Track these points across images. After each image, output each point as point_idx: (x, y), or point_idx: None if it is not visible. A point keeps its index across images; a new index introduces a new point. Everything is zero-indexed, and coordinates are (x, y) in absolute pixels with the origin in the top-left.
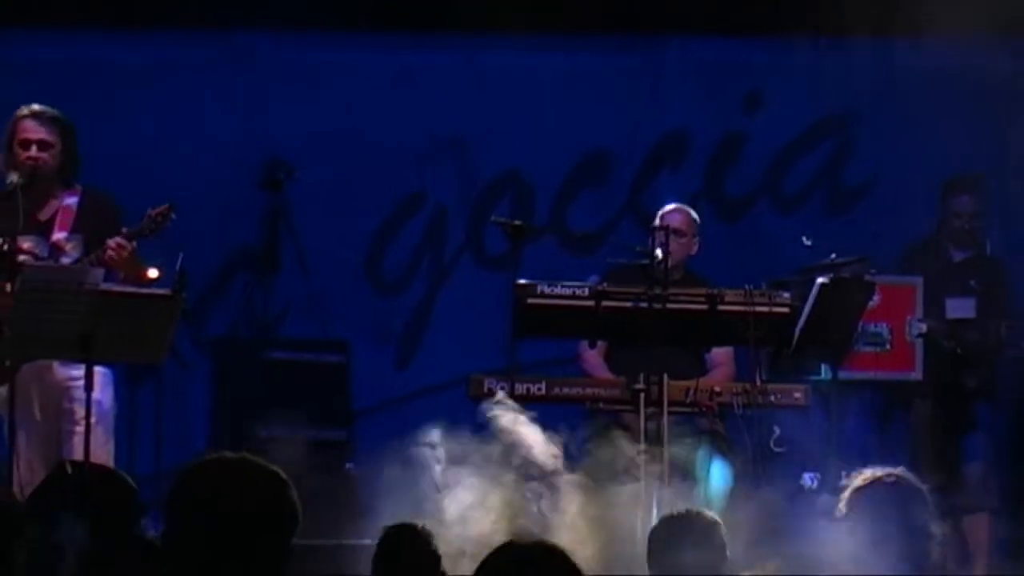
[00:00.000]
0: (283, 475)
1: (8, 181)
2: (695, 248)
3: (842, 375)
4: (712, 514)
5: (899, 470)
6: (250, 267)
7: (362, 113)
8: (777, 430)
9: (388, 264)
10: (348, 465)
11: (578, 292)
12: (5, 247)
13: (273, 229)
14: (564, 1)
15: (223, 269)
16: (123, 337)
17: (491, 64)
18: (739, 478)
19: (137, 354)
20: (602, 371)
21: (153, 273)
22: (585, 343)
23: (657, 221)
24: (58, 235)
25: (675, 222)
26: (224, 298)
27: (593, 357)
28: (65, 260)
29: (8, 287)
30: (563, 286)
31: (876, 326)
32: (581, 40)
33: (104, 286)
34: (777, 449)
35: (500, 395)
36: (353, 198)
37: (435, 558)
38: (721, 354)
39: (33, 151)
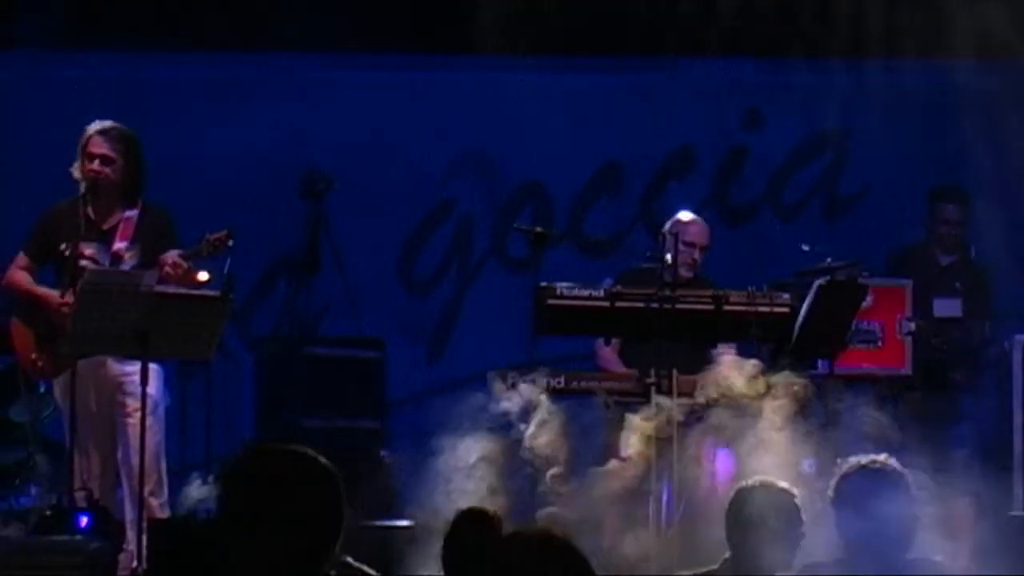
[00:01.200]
0: (331, 467)
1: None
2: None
3: (837, 370)
4: (785, 483)
5: (883, 457)
6: (292, 271)
7: (395, 129)
8: (778, 420)
9: (419, 267)
10: (382, 452)
11: (594, 293)
12: (67, 252)
13: (313, 235)
14: (581, 26)
15: (267, 272)
16: (176, 335)
17: (514, 84)
18: (743, 464)
19: (189, 350)
20: (616, 365)
21: (203, 276)
22: (600, 340)
23: (669, 226)
24: (119, 245)
25: (695, 237)
26: (268, 299)
27: (608, 353)
28: (124, 268)
29: (71, 289)
30: (580, 288)
31: (869, 324)
32: (597, 62)
33: (158, 288)
34: (778, 437)
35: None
36: (387, 207)
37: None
38: (725, 350)
39: (96, 165)
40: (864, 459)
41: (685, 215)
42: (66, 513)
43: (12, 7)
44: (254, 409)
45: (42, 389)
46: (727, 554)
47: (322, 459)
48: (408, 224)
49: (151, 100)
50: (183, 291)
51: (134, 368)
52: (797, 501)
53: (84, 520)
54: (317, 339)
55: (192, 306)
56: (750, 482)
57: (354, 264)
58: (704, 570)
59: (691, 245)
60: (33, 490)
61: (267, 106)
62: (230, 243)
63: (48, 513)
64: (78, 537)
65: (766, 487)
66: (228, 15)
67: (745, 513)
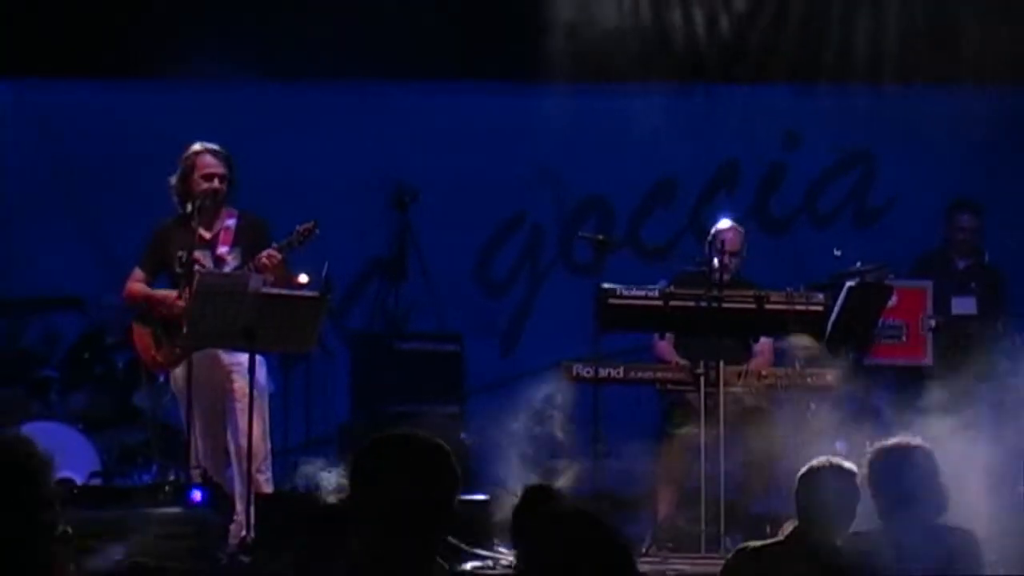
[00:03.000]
0: (446, 446)
1: (187, 207)
2: (743, 256)
3: (866, 362)
4: (849, 464)
5: (909, 437)
6: (382, 273)
7: (474, 148)
8: (813, 406)
9: (494, 271)
10: (461, 435)
11: (650, 294)
12: (184, 259)
13: (401, 242)
14: (638, 55)
15: (360, 275)
16: (280, 330)
17: (580, 108)
18: (782, 446)
19: (291, 344)
20: (672, 357)
21: (303, 279)
22: (657, 335)
23: (712, 233)
24: (221, 249)
25: (727, 244)
26: (361, 299)
27: (665, 346)
28: (226, 269)
29: (186, 292)
30: (638, 289)
31: (894, 322)
32: (652, 88)
33: (264, 289)
34: (814, 422)
35: None
36: (466, 217)
37: (571, 515)
38: (763, 343)
39: (216, 183)
40: (892, 440)
41: (722, 223)
42: (182, 488)
43: (132, 41)
44: (349, 396)
45: (161, 379)
46: (789, 526)
47: (438, 440)
48: (485, 232)
49: (264, 121)
50: (286, 292)
51: (243, 359)
52: (858, 480)
53: (198, 494)
54: (404, 334)
55: (294, 305)
56: (817, 462)
57: (436, 268)
58: (772, 540)
59: (726, 252)
60: (153, 468)
61: (362, 128)
62: (316, 231)
63: (167, 488)
64: (193, 509)
65: (835, 467)
66: (332, 46)
67: (816, 489)
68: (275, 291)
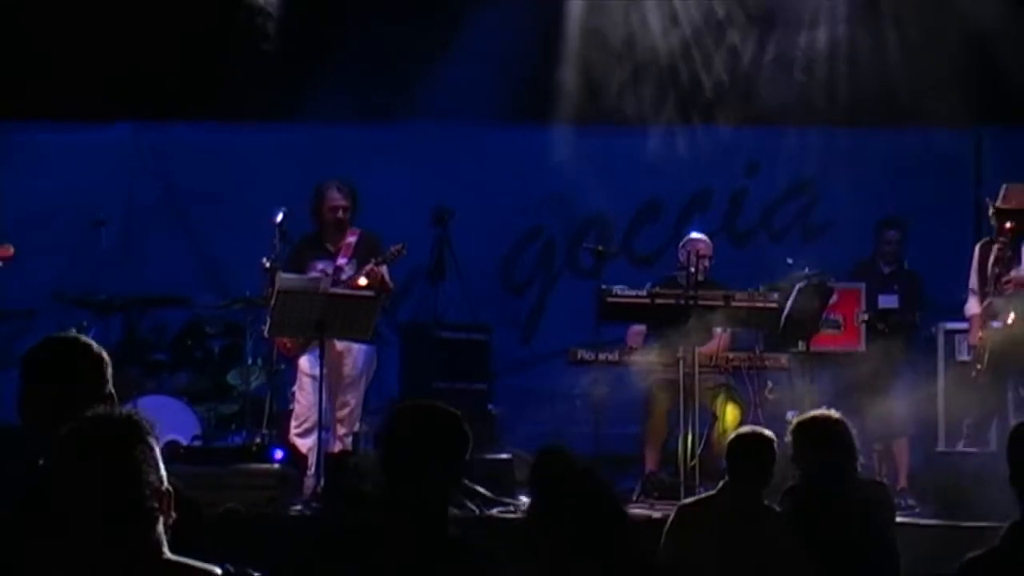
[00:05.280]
0: (458, 413)
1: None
2: (712, 260)
3: (812, 348)
4: (769, 432)
5: (823, 409)
6: (426, 277)
7: (500, 175)
8: (770, 384)
9: (515, 275)
10: (489, 406)
11: (639, 293)
12: (306, 268)
13: (440, 252)
14: (632, 102)
15: (408, 278)
16: (344, 323)
17: (585, 144)
18: (744, 416)
19: (353, 334)
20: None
21: (362, 281)
22: (635, 327)
23: (683, 243)
24: (340, 261)
25: (702, 250)
26: (409, 297)
27: (633, 333)
28: (343, 277)
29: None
30: (630, 289)
31: (834, 316)
32: (642, 129)
33: (331, 289)
34: (770, 396)
35: None
36: (492, 231)
37: (577, 471)
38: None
39: (340, 214)
40: (810, 414)
41: (694, 235)
42: (266, 448)
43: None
44: (398, 375)
45: (249, 362)
46: (722, 482)
47: (452, 408)
48: (507, 244)
49: (335, 156)
50: (349, 292)
51: (353, 346)
52: (775, 445)
53: (279, 453)
54: (443, 325)
55: (355, 302)
56: (745, 430)
57: (469, 272)
58: (705, 495)
59: (700, 256)
60: (243, 432)
61: (410, 160)
62: (405, 252)
63: (253, 449)
64: (274, 465)
65: (757, 434)
66: (387, 94)
67: (741, 452)
68: (340, 291)
